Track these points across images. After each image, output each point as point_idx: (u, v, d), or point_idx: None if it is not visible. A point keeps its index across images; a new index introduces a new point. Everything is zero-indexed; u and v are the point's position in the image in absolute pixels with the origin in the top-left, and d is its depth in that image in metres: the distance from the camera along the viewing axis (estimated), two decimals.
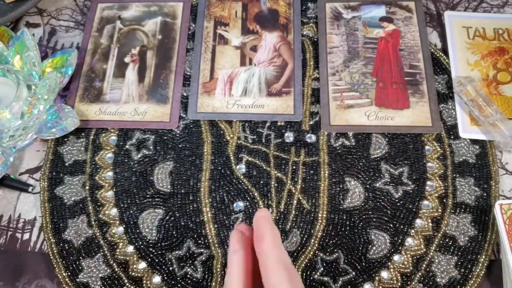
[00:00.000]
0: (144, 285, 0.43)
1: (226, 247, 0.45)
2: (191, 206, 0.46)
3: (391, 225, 0.45)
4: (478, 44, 0.53)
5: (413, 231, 0.45)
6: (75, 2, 0.59)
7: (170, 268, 0.44)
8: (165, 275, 0.44)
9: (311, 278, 0.43)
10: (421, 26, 0.54)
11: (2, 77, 0.49)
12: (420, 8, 0.55)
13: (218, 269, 0.44)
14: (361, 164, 0.48)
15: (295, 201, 0.46)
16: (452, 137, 0.49)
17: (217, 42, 0.54)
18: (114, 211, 0.46)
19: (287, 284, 0.27)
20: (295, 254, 0.44)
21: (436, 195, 0.46)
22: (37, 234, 0.46)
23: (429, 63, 0.52)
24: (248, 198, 0.46)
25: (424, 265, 0.43)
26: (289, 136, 0.49)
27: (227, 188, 0.47)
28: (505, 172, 0.48)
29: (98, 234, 0.45)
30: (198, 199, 0.47)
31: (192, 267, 0.44)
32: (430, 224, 0.45)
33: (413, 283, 0.43)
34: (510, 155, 0.49)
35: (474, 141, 0.48)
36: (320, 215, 0.45)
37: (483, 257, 0.43)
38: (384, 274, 0.43)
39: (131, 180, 0.48)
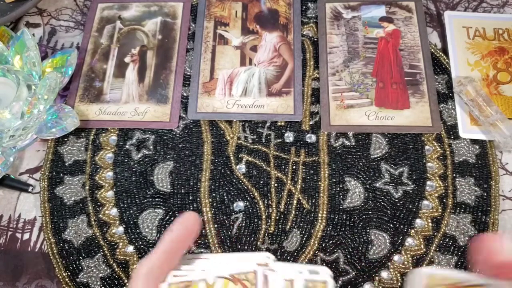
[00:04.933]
0: None
1: (226, 247, 0.45)
2: (191, 206, 0.46)
3: (391, 225, 0.45)
4: (478, 44, 0.53)
5: (413, 231, 0.45)
6: (75, 2, 0.59)
7: None
8: None
9: None
10: (421, 26, 0.54)
11: (2, 77, 0.49)
12: (420, 8, 0.55)
13: None
14: (361, 164, 0.48)
15: (295, 201, 0.46)
16: (452, 137, 0.49)
17: (217, 42, 0.54)
18: (114, 211, 0.46)
19: None
20: (295, 254, 0.44)
21: (436, 195, 0.46)
22: (37, 234, 0.46)
23: (429, 63, 0.52)
24: (248, 198, 0.46)
25: (424, 265, 0.43)
26: (289, 136, 0.49)
27: (227, 188, 0.47)
28: (505, 172, 0.48)
29: (98, 234, 0.45)
30: (198, 199, 0.47)
31: None
32: (430, 224, 0.45)
33: None
34: (510, 155, 0.49)
35: (474, 141, 0.48)
36: (320, 215, 0.45)
37: None
38: (384, 274, 0.43)
39: (131, 180, 0.48)
